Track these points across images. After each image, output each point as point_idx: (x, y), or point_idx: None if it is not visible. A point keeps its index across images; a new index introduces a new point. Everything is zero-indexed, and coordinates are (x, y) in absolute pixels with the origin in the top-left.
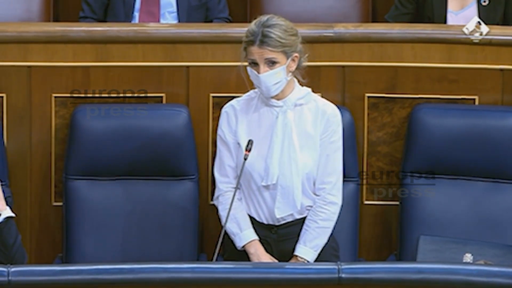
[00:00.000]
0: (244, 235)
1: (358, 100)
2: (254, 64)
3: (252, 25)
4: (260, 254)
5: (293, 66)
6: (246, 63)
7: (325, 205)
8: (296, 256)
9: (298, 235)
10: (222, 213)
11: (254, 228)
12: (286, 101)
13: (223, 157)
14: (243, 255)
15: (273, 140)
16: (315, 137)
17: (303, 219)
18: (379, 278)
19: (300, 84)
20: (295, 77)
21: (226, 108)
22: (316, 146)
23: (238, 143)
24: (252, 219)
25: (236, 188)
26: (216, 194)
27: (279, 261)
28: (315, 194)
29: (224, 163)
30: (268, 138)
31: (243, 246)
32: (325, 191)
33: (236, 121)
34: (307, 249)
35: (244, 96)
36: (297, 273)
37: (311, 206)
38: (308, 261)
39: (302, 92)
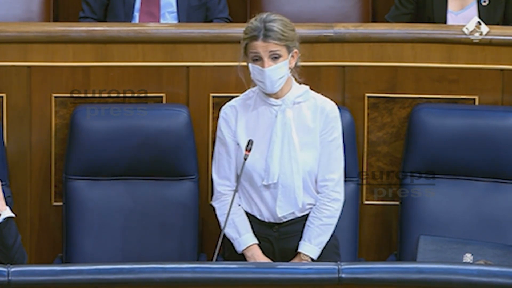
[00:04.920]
0: (242, 240)
1: (358, 100)
2: (257, 59)
3: (253, 21)
4: (256, 258)
5: (293, 63)
6: (244, 63)
7: (329, 202)
8: (300, 253)
9: (300, 233)
10: (221, 218)
11: (255, 226)
12: (285, 100)
13: (221, 159)
14: (243, 255)
15: (272, 139)
16: (315, 134)
17: (305, 217)
18: (379, 278)
19: (297, 83)
20: (292, 75)
21: (225, 108)
22: (316, 143)
23: (238, 144)
24: (253, 217)
25: (235, 190)
26: (214, 197)
27: (281, 259)
28: (317, 191)
29: (223, 165)
30: (267, 137)
31: (242, 251)
32: (328, 188)
33: (235, 121)
34: (312, 246)
35: (242, 95)
36: (297, 273)
37: (313, 204)
38: (312, 258)
39: (300, 90)
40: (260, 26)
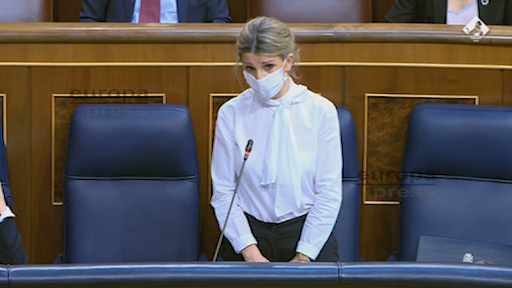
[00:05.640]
0: (241, 240)
1: (358, 100)
2: (251, 68)
3: (246, 31)
4: (255, 258)
5: (289, 66)
6: (241, 64)
7: (327, 202)
8: (299, 253)
9: (298, 233)
10: (220, 218)
11: (254, 226)
12: (282, 100)
13: (220, 159)
14: (241, 255)
15: (270, 139)
16: (313, 134)
17: (303, 217)
18: (379, 278)
19: (295, 82)
20: (290, 75)
21: (223, 109)
22: (314, 143)
23: (236, 144)
24: (251, 218)
25: (235, 191)
26: (213, 197)
27: (279, 259)
28: (315, 191)
29: (222, 165)
30: (265, 137)
31: (240, 251)
32: (326, 188)
33: (233, 121)
34: (311, 246)
35: (239, 96)
36: (297, 273)
37: (311, 204)
38: (310, 258)
39: (298, 90)
40: (252, 37)
